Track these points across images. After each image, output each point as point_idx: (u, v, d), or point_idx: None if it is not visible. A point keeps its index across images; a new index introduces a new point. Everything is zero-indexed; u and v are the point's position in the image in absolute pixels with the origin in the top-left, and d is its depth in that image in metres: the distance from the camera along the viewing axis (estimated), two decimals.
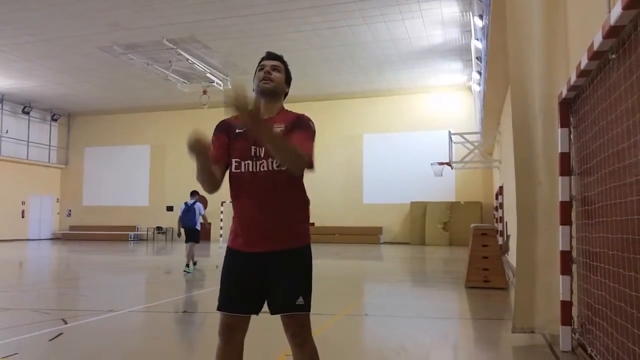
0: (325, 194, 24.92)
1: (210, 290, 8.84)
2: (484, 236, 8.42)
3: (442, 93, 24.33)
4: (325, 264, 13.31)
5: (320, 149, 26.21)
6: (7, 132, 26.53)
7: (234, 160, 2.46)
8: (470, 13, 14.21)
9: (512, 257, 10.03)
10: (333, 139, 25.78)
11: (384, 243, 24.01)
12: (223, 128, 2.55)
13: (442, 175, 20.06)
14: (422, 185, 23.55)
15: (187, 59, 18.98)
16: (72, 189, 30.30)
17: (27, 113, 27.52)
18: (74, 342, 4.90)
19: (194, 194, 11.34)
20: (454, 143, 18.59)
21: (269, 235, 2.40)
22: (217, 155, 2.47)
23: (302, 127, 2.49)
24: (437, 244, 22.53)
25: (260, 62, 2.59)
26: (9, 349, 4.49)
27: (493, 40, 9.24)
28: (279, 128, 2.45)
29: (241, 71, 20.83)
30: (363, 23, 16.23)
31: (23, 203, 27.58)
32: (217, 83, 21.25)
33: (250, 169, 2.43)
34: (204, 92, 21.88)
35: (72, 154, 30.71)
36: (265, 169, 2.41)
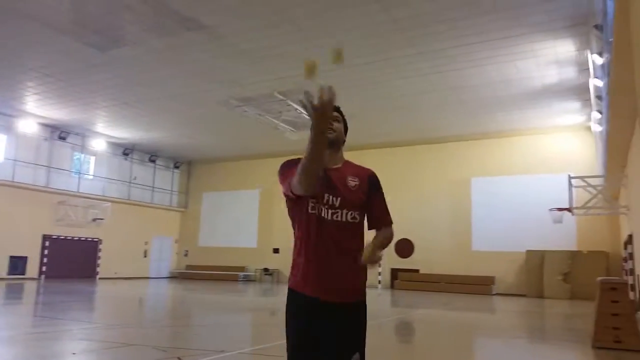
0: (430, 239, 24.18)
1: None
2: (613, 291, 7.57)
3: (558, 134, 22.90)
4: (433, 314, 12.74)
5: (427, 194, 25.77)
6: (135, 179, 29.24)
7: (310, 201, 2.44)
8: (588, 51, 13.41)
9: None
10: (439, 183, 25.18)
11: (497, 294, 22.55)
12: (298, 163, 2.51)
13: (561, 222, 18.61)
14: (539, 233, 21.96)
15: (296, 109, 19.83)
16: (190, 230, 32.36)
17: (153, 161, 30.21)
18: None
19: None
20: (574, 187, 17.28)
21: (341, 282, 2.41)
22: (291, 185, 2.48)
23: (379, 190, 2.60)
24: (557, 297, 20.70)
25: None
26: None
27: (616, 77, 8.60)
28: (353, 182, 2.52)
29: (348, 116, 21.27)
30: (471, 66, 15.94)
31: (146, 243, 29.89)
32: None
33: (324, 216, 2.43)
34: None
35: (191, 198, 32.97)
36: (338, 219, 2.44)
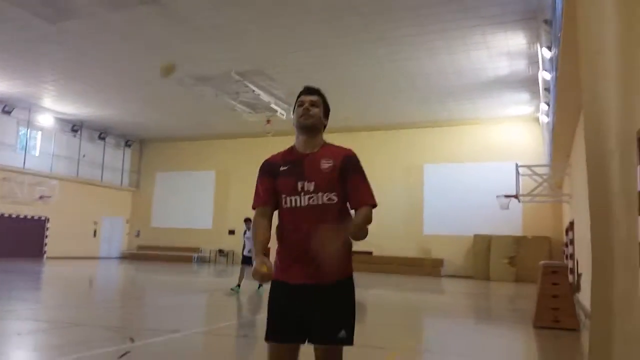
0: (384, 223, 24.63)
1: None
2: (554, 274, 8.02)
3: (507, 124, 23.72)
4: (384, 295, 13.10)
5: (380, 179, 26.13)
6: (84, 157, 28.28)
7: (282, 197, 2.55)
8: (538, 44, 13.88)
9: (583, 296, 9.48)
10: (393, 168, 25.62)
11: (445, 276, 23.35)
12: (267, 170, 2.66)
13: (508, 208, 19.37)
14: (487, 218, 22.81)
15: (253, 91, 19.63)
16: (142, 211, 31.69)
17: (103, 139, 29.26)
18: None
19: (248, 221, 12.00)
20: (521, 175, 17.98)
21: (318, 267, 2.42)
22: (266, 199, 2.61)
23: (357, 170, 2.60)
24: (503, 280, 21.64)
25: (298, 97, 2.69)
26: None
27: (563, 71, 8.96)
28: (327, 164, 2.55)
29: None
30: (427, 55, 16.23)
31: (95, 223, 29.09)
32: (280, 113, 21.80)
33: (299, 204, 2.50)
34: (268, 122, 22.49)
35: (143, 178, 32.23)
36: (316, 202, 2.49)
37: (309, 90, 2.71)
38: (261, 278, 2.38)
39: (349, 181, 2.55)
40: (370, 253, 24.10)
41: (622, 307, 4.36)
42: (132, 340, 5.87)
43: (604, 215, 4.55)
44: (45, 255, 25.53)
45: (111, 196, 30.12)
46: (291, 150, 2.69)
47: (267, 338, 2.49)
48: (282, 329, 2.46)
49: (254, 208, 2.64)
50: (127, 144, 31.21)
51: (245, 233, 12.22)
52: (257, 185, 2.66)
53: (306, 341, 2.48)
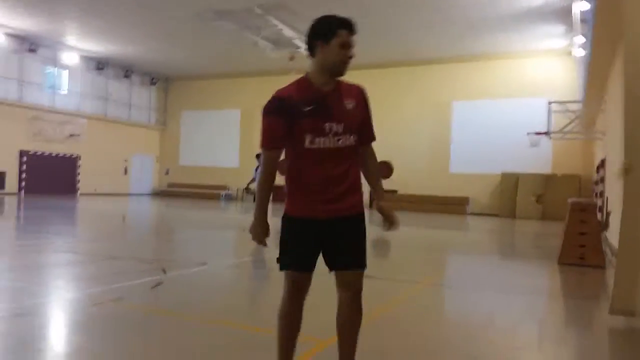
0: (409, 161, 24.56)
1: None
2: (582, 212, 7.92)
3: (540, 58, 22.76)
4: (410, 232, 13.22)
5: (408, 117, 25.79)
6: (112, 95, 28.51)
7: (306, 137, 2.47)
8: None
9: (611, 235, 9.39)
10: (421, 106, 25.14)
11: (471, 214, 23.35)
12: (285, 110, 2.45)
13: (538, 145, 18.97)
14: (516, 156, 22.43)
15: (276, 25, 19.16)
16: (170, 149, 32.16)
17: (128, 77, 29.30)
18: (173, 292, 5.29)
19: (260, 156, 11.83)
20: (553, 112, 17.47)
21: (343, 202, 2.55)
22: (282, 141, 2.52)
23: (368, 106, 2.66)
24: (529, 217, 21.54)
25: (336, 30, 2.43)
26: (116, 293, 4.94)
27: (602, 1, 8.45)
28: (350, 104, 2.53)
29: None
30: None
31: (126, 161, 29.73)
32: (304, 49, 21.37)
33: (327, 145, 2.48)
34: (291, 58, 22.09)
35: (170, 117, 32.46)
36: (343, 144, 2.51)
37: (352, 27, 2.47)
38: (259, 242, 2.60)
39: (364, 118, 2.61)
40: (395, 191, 24.15)
41: None
42: (164, 271, 6.11)
43: (639, 150, 4.41)
44: (78, 192, 26.37)
45: (140, 135, 30.57)
46: (308, 85, 2.51)
47: (290, 267, 2.59)
48: (307, 259, 2.57)
49: (267, 148, 2.53)
50: (153, 82, 31.23)
51: (257, 169, 12.01)
52: (269, 123, 2.49)
53: (331, 269, 2.61)
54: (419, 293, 5.85)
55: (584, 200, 9.82)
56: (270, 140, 2.52)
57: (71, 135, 25.48)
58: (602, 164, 15.23)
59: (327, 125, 2.47)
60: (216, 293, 5.45)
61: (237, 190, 29.56)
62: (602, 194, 15.13)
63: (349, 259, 2.58)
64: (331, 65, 2.46)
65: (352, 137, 2.53)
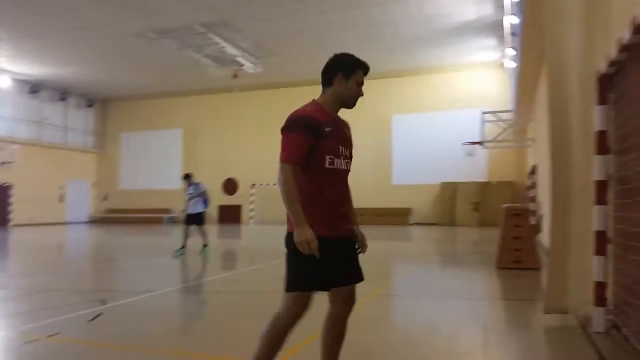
0: (353, 175, 24.70)
1: (242, 271, 9.02)
2: (516, 216, 8.29)
3: (474, 71, 23.82)
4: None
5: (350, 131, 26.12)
6: (46, 119, 27.34)
7: (325, 157, 2.63)
8: None
9: (544, 237, 9.85)
10: (362, 120, 25.57)
11: (414, 224, 23.89)
12: (314, 128, 2.59)
13: (473, 155, 19.73)
14: (453, 166, 23.25)
15: (218, 43, 19.08)
16: (108, 173, 31.09)
17: (64, 100, 28.24)
18: (113, 322, 5.09)
19: (190, 176, 11.34)
20: (487, 122, 18.24)
21: (349, 221, 2.85)
22: (304, 157, 2.60)
23: None
24: (468, 225, 22.30)
25: (359, 70, 2.74)
26: (51, 329, 4.68)
27: (529, 15, 8.98)
28: (349, 133, 2.90)
29: (270, 53, 20.83)
30: (393, 1, 15.96)
31: (61, 187, 28.47)
32: (247, 66, 21.33)
33: (340, 166, 2.72)
34: (235, 76, 22.02)
35: (108, 140, 31.45)
36: (348, 167, 2.81)
37: (368, 70, 2.79)
38: (313, 250, 2.51)
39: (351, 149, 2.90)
40: None
41: (578, 244, 4.56)
42: (103, 302, 5.87)
43: (564, 156, 4.69)
44: (10, 223, 24.98)
45: (76, 159, 29.42)
46: (322, 110, 2.72)
47: (318, 287, 2.65)
48: (326, 279, 2.66)
49: (293, 163, 2.56)
50: (90, 104, 30.23)
51: (188, 190, 11.26)
52: (296, 139, 2.56)
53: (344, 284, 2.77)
54: (367, 305, 5.90)
55: (518, 205, 10.27)
56: (297, 156, 2.57)
57: (3, 163, 24.18)
58: (534, 169, 16.01)
59: (341, 148, 2.73)
60: (159, 321, 5.29)
61: (182, 212, 28.93)
62: (534, 198, 15.88)
63: (359, 273, 2.81)
64: (346, 98, 2.75)
65: (351, 161, 2.81)
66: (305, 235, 2.49)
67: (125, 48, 20.45)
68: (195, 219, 11.27)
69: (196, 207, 11.21)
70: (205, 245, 11.07)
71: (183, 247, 10.89)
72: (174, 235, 19.86)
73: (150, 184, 29.98)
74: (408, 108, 25.03)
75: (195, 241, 11.61)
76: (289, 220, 2.60)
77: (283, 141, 2.58)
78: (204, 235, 11.19)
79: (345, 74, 2.69)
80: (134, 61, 22.46)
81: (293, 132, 2.56)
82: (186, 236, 11.10)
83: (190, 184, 11.20)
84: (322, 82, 2.78)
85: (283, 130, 2.59)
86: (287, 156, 2.55)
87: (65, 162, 28.46)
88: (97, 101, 30.50)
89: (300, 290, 2.61)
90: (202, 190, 11.23)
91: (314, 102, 2.73)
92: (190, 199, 11.17)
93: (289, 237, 2.60)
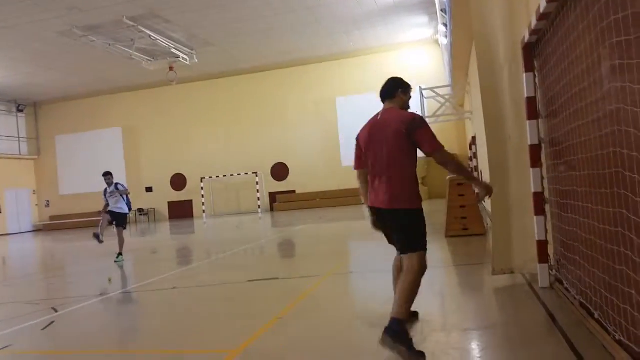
0: (303, 160, 25.01)
1: (197, 265, 8.95)
2: (460, 186, 8.62)
3: (410, 49, 24.28)
4: (310, 228, 13.48)
5: (295, 117, 26.17)
6: None
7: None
8: None
9: (488, 204, 10.28)
10: (306, 105, 25.65)
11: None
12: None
13: None
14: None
15: (150, 36, 18.52)
16: (48, 179, 29.78)
17: None
18: (67, 328, 4.96)
19: (109, 174, 10.41)
20: (426, 98, 18.68)
21: None
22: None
23: None
24: None
25: (410, 89, 3.94)
26: (3, 342, 4.52)
27: None
28: None
29: (205, 43, 20.43)
30: None
31: None
32: (182, 58, 20.83)
33: None
34: (171, 69, 21.47)
35: (43, 144, 30.05)
36: None
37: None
38: (491, 193, 3.65)
39: None
40: (293, 192, 24.43)
41: (518, 206, 4.82)
42: (55, 310, 5.70)
43: (498, 124, 4.91)
44: None
45: (11, 167, 27.98)
46: None
47: (427, 248, 3.47)
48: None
49: (443, 146, 3.59)
50: (20, 109, 28.72)
51: (109, 189, 10.35)
52: (431, 129, 3.50)
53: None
54: (325, 284, 6.01)
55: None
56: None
57: None
58: (474, 140, 16.58)
59: None
60: (114, 322, 5.20)
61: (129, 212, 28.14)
62: (476, 168, 16.48)
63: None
64: (403, 105, 3.77)
65: None
66: (484, 184, 3.63)
67: (52, 48, 19.49)
68: (119, 218, 10.49)
69: (120, 206, 10.42)
70: (120, 254, 10.14)
71: (120, 254, 10.20)
72: (125, 235, 19.31)
73: (93, 187, 28.83)
74: (350, 90, 25.25)
75: (112, 244, 11.08)
76: (396, 197, 3.40)
77: (425, 133, 3.39)
78: (122, 242, 10.33)
79: (405, 91, 3.82)
80: (63, 61, 21.46)
81: (427, 125, 3.42)
82: (104, 228, 10.43)
83: (110, 184, 10.31)
84: (386, 96, 3.84)
85: (421, 126, 3.41)
86: (438, 142, 3.41)
87: (0, 170, 27.03)
88: (27, 105, 29.01)
89: (425, 250, 3.43)
90: (124, 189, 10.59)
91: (396, 108, 3.76)
92: (111, 196, 10.25)
93: (410, 212, 3.43)
